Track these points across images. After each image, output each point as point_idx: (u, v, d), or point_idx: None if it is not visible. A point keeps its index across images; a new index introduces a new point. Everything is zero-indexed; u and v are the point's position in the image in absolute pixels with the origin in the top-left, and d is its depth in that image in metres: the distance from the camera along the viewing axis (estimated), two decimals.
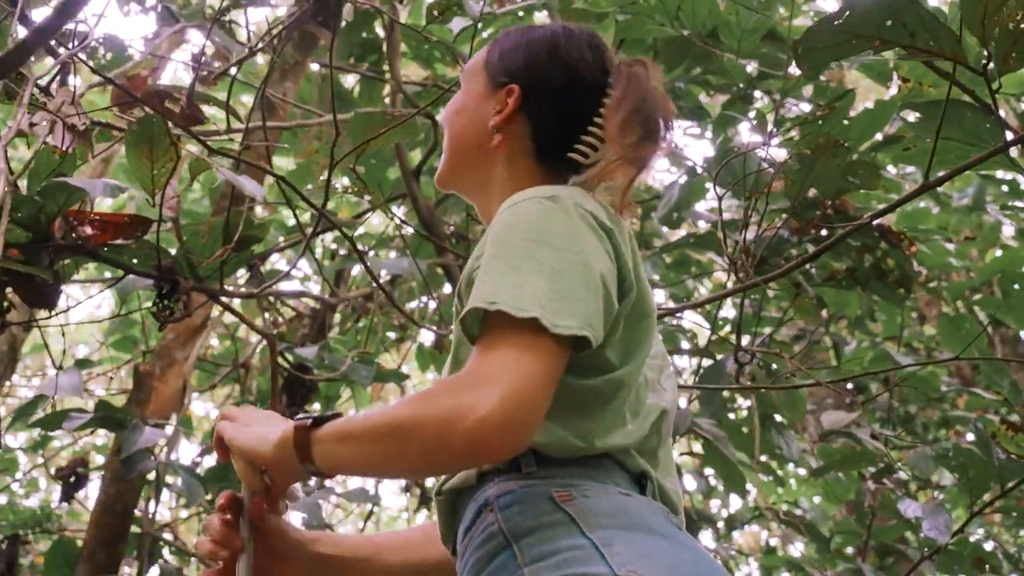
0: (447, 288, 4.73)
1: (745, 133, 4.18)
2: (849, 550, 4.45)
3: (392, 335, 5.19)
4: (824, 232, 2.98)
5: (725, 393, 3.84)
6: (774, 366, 3.33)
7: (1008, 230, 5.67)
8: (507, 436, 1.14)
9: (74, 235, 2.36)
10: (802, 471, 7.18)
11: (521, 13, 3.88)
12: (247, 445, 1.32)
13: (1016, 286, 2.57)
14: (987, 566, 3.39)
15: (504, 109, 1.52)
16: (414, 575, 1.55)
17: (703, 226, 4.30)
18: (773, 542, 7.57)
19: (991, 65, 1.89)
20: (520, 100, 1.52)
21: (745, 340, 2.96)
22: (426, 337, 5.31)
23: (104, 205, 4.44)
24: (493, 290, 1.21)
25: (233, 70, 2.83)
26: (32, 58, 2.18)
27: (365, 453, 1.22)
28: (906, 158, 2.68)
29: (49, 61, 2.67)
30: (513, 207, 1.33)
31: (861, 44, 1.74)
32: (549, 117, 1.52)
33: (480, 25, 2.76)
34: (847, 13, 1.78)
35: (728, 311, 4.99)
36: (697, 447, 4.25)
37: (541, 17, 5.22)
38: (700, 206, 4.34)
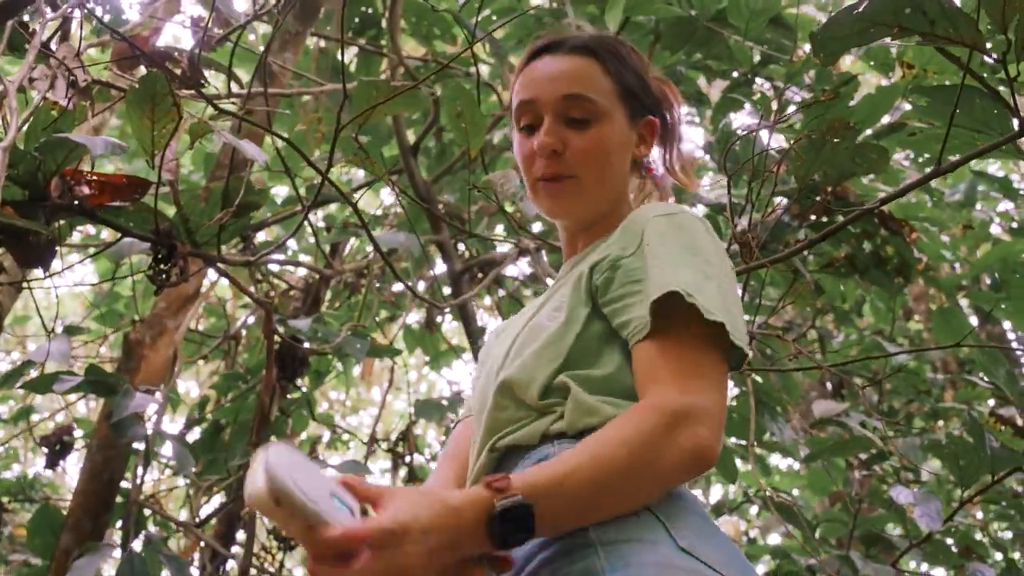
0: (441, 267, 4.71)
1: (745, 119, 4.16)
2: (832, 540, 4.47)
3: (383, 312, 5.16)
4: (825, 218, 2.98)
5: None
6: (768, 351, 3.32)
7: (996, 228, 5.71)
8: (718, 454, 1.22)
9: (71, 195, 2.32)
10: (785, 463, 7.23)
11: None
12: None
13: (1017, 275, 2.58)
14: (974, 555, 3.40)
15: (647, 142, 1.61)
16: None
17: (701, 210, 4.29)
18: (753, 533, 7.61)
19: (1009, 52, 1.88)
20: (654, 128, 1.61)
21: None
22: (413, 318, 5.30)
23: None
24: (685, 282, 1.26)
25: (235, 35, 2.79)
26: (33, 9, 2.14)
27: (594, 514, 1.15)
28: (912, 144, 2.68)
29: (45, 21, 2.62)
30: (669, 217, 1.40)
31: (879, 32, 1.73)
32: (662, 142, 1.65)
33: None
34: (866, 1, 1.77)
35: None
36: None
37: None
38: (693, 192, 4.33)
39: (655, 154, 1.66)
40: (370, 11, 4.57)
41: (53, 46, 2.35)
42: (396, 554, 1.00)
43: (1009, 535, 4.78)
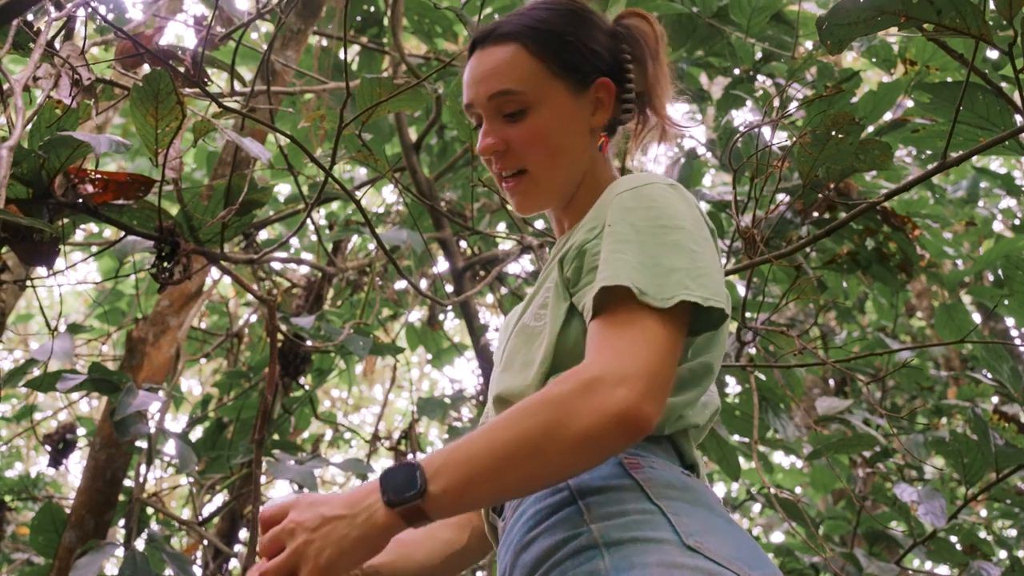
0: (443, 264, 4.71)
1: (747, 115, 4.16)
2: (835, 538, 4.48)
3: (386, 310, 5.17)
4: (827, 215, 2.97)
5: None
6: (771, 347, 3.32)
7: (999, 224, 5.71)
8: (652, 418, 1.15)
9: (75, 193, 2.32)
10: (787, 461, 7.23)
11: None
12: (346, 551, 1.13)
13: (1020, 271, 2.57)
14: (978, 553, 3.39)
15: (604, 106, 1.51)
16: (443, 562, 1.52)
17: (704, 207, 4.29)
18: (756, 531, 7.60)
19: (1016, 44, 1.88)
20: (610, 90, 1.51)
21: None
22: (416, 315, 5.30)
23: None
24: (634, 274, 1.22)
25: (237, 34, 2.79)
26: (38, 8, 2.14)
27: (502, 481, 1.14)
28: (915, 140, 2.67)
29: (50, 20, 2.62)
30: (635, 191, 1.35)
31: (887, 20, 1.72)
32: (627, 96, 1.53)
33: None
34: None
35: None
36: None
37: None
38: (695, 188, 4.34)
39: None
40: (372, 9, 4.57)
41: (56, 44, 2.35)
42: (288, 522, 1.14)
43: (1013, 532, 4.78)
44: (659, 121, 1.59)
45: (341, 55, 4.76)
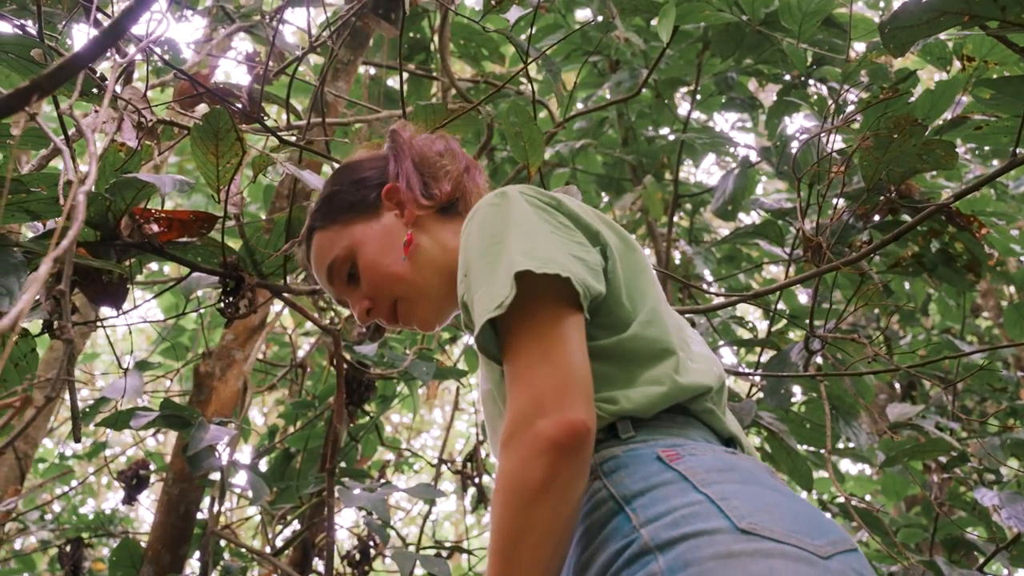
0: None
1: (800, 122, 4.12)
2: (911, 545, 4.38)
3: (445, 334, 5.18)
4: (890, 218, 2.93)
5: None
6: (839, 355, 3.27)
7: None
8: (581, 422, 1.17)
9: (140, 233, 2.36)
10: (855, 468, 7.10)
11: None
12: None
13: None
14: None
15: (407, 201, 1.65)
16: None
17: (755, 217, 4.25)
18: None
19: None
20: (396, 190, 1.66)
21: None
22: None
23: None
24: (482, 304, 1.25)
25: (291, 69, 2.82)
26: (104, 56, 2.19)
27: (532, 566, 1.17)
28: (977, 138, 2.62)
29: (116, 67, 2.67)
30: (465, 230, 1.41)
31: (949, 20, 1.69)
32: (413, 182, 1.67)
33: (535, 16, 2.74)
34: None
35: (780, 303, 4.94)
36: (755, 440, 4.20)
37: (585, 14, 5.20)
38: (752, 198, 4.30)
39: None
40: (418, 36, 4.61)
41: (117, 88, 2.40)
42: None
43: None
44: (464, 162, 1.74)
45: (390, 83, 4.80)
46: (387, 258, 1.59)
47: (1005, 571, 3.50)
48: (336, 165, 2.51)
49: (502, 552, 1.15)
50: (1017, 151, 1.89)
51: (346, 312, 4.44)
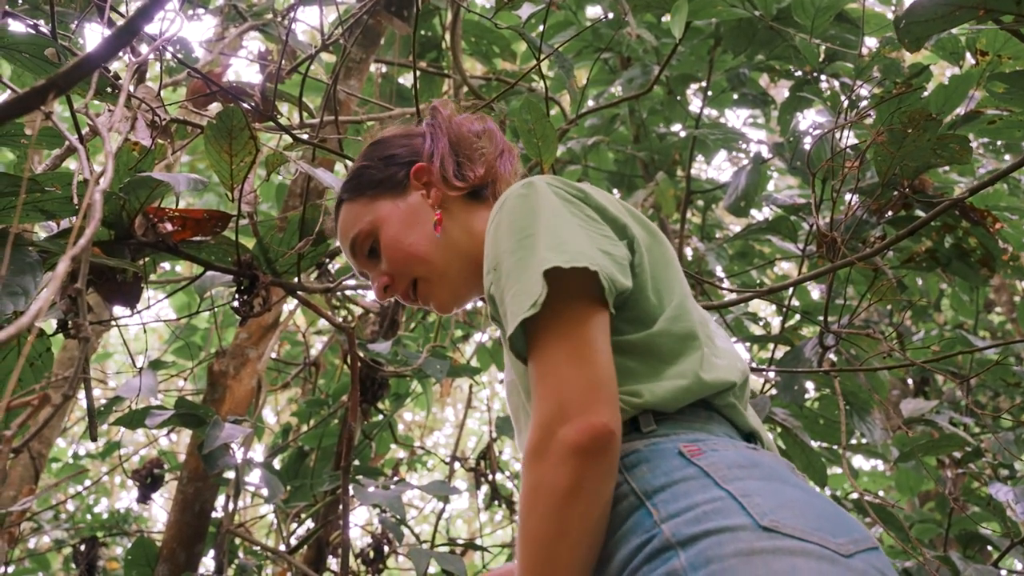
0: None
1: (812, 117, 4.11)
2: (926, 541, 4.37)
3: (458, 332, 5.19)
4: (904, 212, 2.91)
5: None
6: (852, 351, 3.26)
7: None
8: (604, 424, 1.17)
9: (154, 232, 2.37)
10: (869, 464, 7.09)
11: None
12: None
13: None
14: None
15: (434, 181, 1.65)
16: None
17: (767, 213, 4.24)
18: None
19: None
20: (424, 169, 1.66)
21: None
22: (487, 336, 5.30)
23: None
24: (517, 303, 1.25)
25: (303, 67, 2.83)
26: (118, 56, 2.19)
27: (564, 556, 1.17)
28: (991, 132, 2.61)
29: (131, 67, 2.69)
30: (493, 224, 1.41)
31: (965, 15, 1.69)
32: (447, 163, 1.66)
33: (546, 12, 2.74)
34: None
35: (794, 299, 4.92)
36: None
37: (596, 11, 5.20)
38: (764, 194, 4.29)
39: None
40: (429, 34, 4.61)
41: (131, 87, 2.40)
42: None
43: None
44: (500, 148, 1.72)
45: (402, 81, 4.81)
46: (408, 237, 1.59)
47: (1020, 566, 3.49)
48: (349, 164, 2.51)
49: (537, 557, 1.16)
50: None
51: (359, 310, 4.45)
